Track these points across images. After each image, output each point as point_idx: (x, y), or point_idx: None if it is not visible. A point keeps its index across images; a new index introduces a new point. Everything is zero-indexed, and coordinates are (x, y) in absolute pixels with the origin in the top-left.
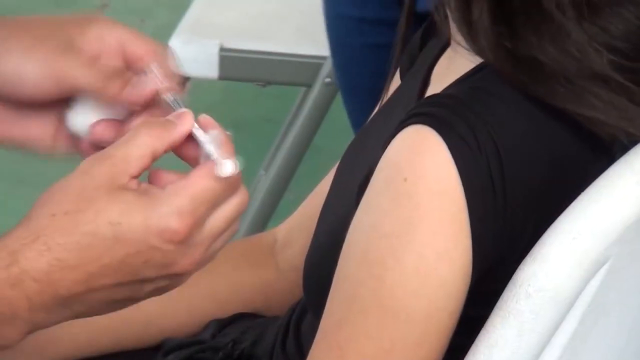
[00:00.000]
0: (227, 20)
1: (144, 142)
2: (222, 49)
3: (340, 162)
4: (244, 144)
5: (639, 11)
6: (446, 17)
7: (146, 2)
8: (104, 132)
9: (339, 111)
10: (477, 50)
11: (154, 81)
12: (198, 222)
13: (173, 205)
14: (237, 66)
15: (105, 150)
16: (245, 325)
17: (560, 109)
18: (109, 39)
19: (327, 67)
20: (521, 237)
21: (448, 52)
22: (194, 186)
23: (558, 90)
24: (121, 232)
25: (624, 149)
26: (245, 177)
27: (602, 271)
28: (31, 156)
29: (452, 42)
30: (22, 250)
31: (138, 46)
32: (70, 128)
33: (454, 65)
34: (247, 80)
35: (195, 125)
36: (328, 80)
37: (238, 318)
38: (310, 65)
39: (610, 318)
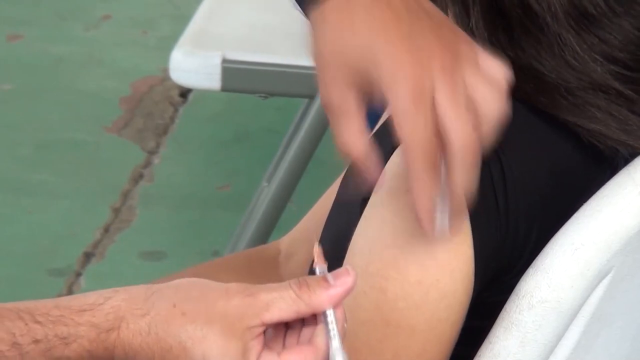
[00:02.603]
0: (230, 31)
1: (292, 299)
2: (224, 61)
3: (344, 173)
4: (247, 155)
5: (638, 22)
6: None
7: (149, 13)
8: None
9: None
10: None
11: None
12: None
13: None
14: (239, 78)
15: (256, 288)
16: None
17: (562, 120)
18: None
19: None
20: (524, 249)
21: None
22: None
23: (559, 102)
24: None
25: (626, 160)
26: (247, 188)
27: (605, 282)
28: (29, 166)
29: None
30: (128, 319)
31: None
32: None
33: None
34: (250, 92)
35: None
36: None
37: None
38: (312, 77)
39: (613, 329)
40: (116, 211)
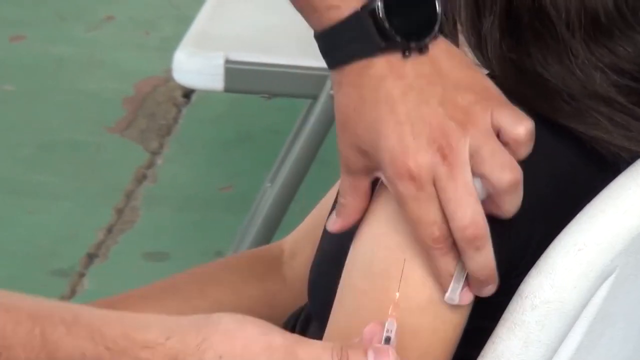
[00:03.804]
0: (233, 32)
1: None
2: (227, 61)
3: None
4: (250, 156)
5: None
6: (455, 28)
7: (151, 14)
8: None
9: None
10: (484, 62)
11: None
12: None
13: None
14: (242, 78)
15: (297, 342)
16: None
17: (564, 125)
18: None
19: None
20: (526, 250)
21: None
22: None
23: (561, 107)
24: None
25: (629, 162)
26: (250, 189)
27: (608, 282)
28: (31, 167)
29: None
30: None
31: None
32: None
33: None
34: (253, 93)
35: None
36: (334, 92)
37: None
38: (316, 77)
39: (616, 329)
40: (119, 212)
